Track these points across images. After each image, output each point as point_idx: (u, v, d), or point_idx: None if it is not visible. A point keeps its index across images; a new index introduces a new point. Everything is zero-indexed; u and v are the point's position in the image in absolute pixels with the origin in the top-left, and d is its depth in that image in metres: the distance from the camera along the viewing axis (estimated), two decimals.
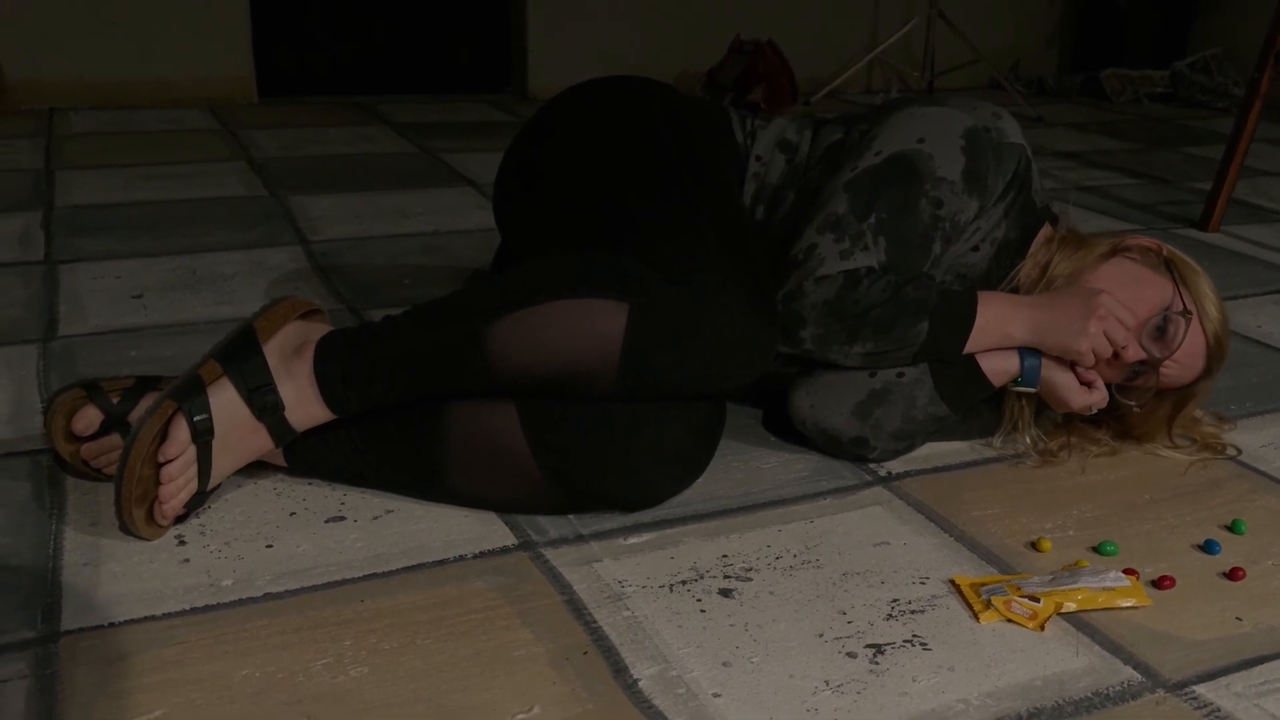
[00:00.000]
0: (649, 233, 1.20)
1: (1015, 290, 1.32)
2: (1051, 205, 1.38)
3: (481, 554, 1.08)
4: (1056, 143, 3.28)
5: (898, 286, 1.20)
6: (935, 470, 1.30)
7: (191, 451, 1.07)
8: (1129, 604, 1.04)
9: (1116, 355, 1.25)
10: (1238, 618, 1.04)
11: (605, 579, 1.05)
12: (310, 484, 1.19)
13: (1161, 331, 1.27)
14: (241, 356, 1.12)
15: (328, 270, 1.91)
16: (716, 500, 1.21)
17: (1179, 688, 0.94)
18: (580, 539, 1.12)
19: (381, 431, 1.15)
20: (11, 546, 1.06)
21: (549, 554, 1.09)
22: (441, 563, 1.07)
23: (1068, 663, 0.96)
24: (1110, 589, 1.05)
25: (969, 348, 1.25)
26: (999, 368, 1.28)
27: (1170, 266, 1.31)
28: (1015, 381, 1.28)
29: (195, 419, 1.07)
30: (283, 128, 3.07)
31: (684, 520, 1.16)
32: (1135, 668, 0.96)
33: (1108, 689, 0.93)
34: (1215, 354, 1.29)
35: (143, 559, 1.05)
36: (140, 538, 1.07)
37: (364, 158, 2.78)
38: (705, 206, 1.24)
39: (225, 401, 1.09)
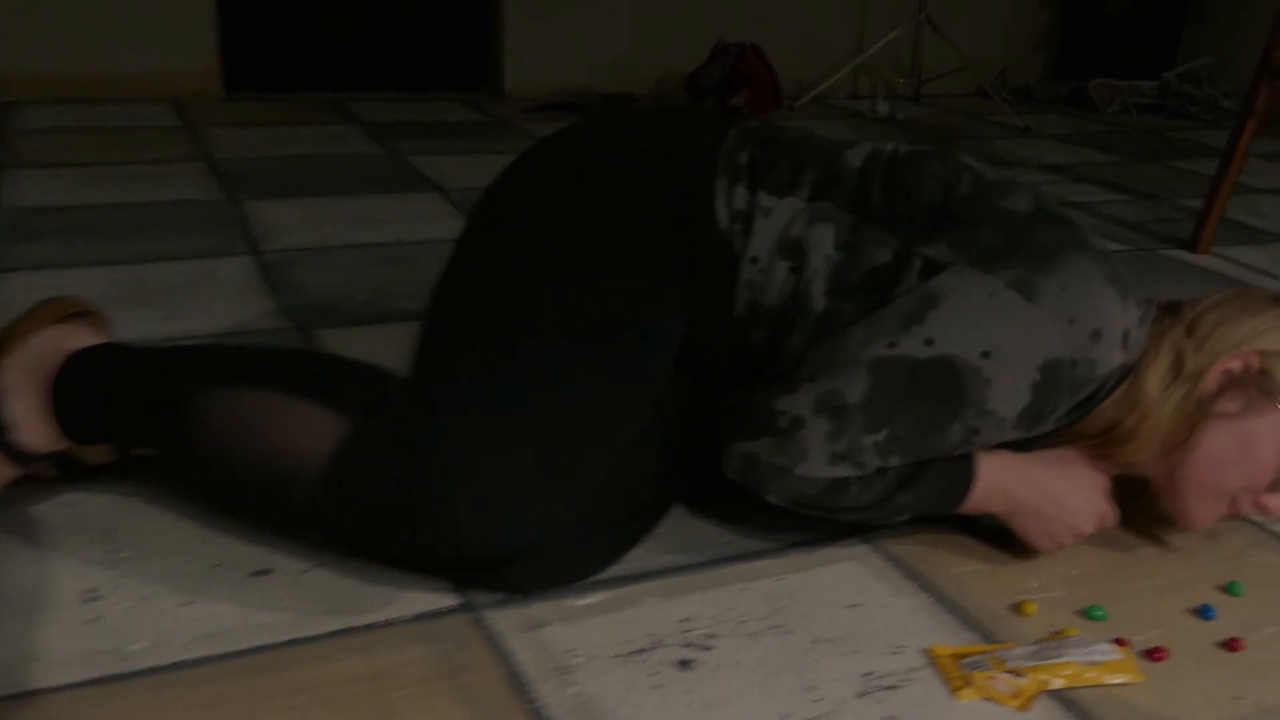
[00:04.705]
0: (481, 340, 1.03)
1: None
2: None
3: (418, 617, 0.99)
4: (1042, 155, 3.21)
5: (888, 492, 1.06)
6: (914, 520, 1.21)
7: None
8: (1120, 680, 0.96)
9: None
10: (1237, 695, 0.96)
11: (551, 649, 0.96)
12: (237, 532, 1.10)
13: None
14: None
15: (277, 285, 1.81)
16: (676, 555, 1.12)
17: None
18: (527, 598, 1.03)
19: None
20: None
21: (492, 617, 1.00)
22: (372, 626, 0.98)
23: None
24: (1099, 663, 0.97)
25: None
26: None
27: (1268, 378, 1.07)
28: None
29: None
30: (248, 126, 2.97)
31: (641, 577, 1.07)
32: None
33: None
34: None
35: (48, 617, 0.96)
36: None
37: (329, 159, 2.68)
38: (590, 345, 1.02)
39: None
